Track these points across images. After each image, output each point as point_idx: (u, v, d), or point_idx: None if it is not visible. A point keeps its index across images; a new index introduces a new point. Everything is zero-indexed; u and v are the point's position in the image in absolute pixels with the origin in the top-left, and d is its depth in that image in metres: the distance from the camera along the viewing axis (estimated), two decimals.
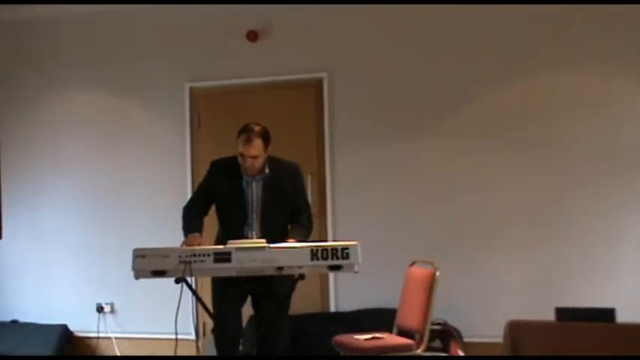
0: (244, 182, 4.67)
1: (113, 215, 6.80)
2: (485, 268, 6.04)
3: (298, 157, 6.31)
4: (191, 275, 4.16)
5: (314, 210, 6.22)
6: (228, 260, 4.15)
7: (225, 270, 4.19)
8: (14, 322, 6.90)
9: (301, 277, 4.30)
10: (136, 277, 4.21)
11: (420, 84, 6.23)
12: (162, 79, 6.72)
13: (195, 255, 4.16)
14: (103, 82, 6.87)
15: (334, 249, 4.20)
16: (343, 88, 6.38)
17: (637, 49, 5.88)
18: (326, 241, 6.29)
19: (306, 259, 4.18)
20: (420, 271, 4.94)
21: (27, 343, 6.62)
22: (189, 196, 6.39)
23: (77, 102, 6.94)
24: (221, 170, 4.75)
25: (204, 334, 6.40)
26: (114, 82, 6.85)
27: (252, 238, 4.58)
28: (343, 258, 4.20)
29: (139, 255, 4.18)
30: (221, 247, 4.21)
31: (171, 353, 4.27)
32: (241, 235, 4.60)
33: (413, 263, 5.08)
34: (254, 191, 4.68)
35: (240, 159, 4.57)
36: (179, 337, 4.50)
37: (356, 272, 4.24)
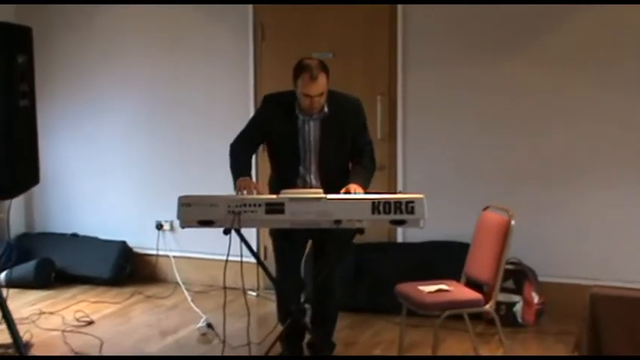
0: (300, 121, 4.28)
1: (174, 131, 6.50)
2: (568, 207, 5.51)
3: (369, 75, 5.91)
4: (240, 227, 3.85)
5: (383, 133, 5.85)
6: (281, 212, 3.82)
7: (278, 222, 3.88)
8: (74, 235, 6.79)
9: (360, 231, 3.92)
10: (182, 227, 3.94)
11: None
12: None
13: (245, 205, 3.83)
14: None
15: (398, 202, 3.82)
16: (421, 6, 5.76)
17: None
18: (394, 170, 5.90)
19: (366, 213, 3.82)
20: (493, 218, 4.50)
21: (87, 258, 6.53)
22: (251, 113, 6.03)
23: (132, 12, 6.53)
24: (276, 106, 4.36)
25: (265, 258, 6.15)
26: None
27: (309, 182, 4.25)
28: (407, 212, 3.82)
29: (185, 203, 3.87)
30: (274, 197, 3.87)
31: (229, 274, 3.99)
32: (297, 179, 4.30)
33: (486, 208, 4.64)
34: (311, 131, 4.30)
35: (303, 100, 4.17)
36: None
37: (421, 228, 3.86)
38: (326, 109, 4.26)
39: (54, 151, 6.85)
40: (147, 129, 6.57)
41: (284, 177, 4.36)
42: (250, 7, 6.13)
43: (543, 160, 5.57)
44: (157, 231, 6.52)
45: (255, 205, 3.82)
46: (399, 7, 5.77)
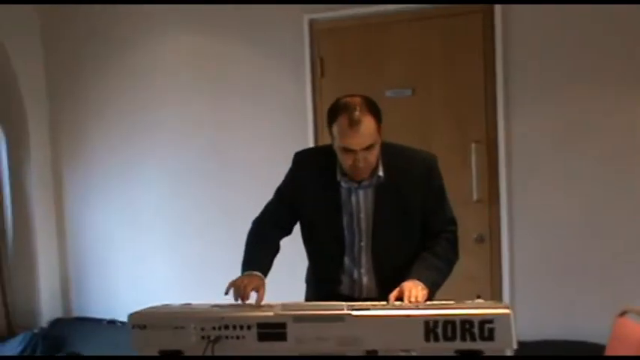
0: (344, 191, 2.90)
1: (216, 194, 5.22)
2: None
3: (460, 116, 4.44)
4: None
5: (480, 193, 4.39)
6: (282, 337, 2.42)
7: (278, 352, 2.46)
8: (111, 322, 5.59)
9: None
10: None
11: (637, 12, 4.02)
12: (274, 11, 4.90)
13: (227, 327, 2.46)
14: (200, 22, 5.16)
15: (466, 322, 2.34)
16: (524, 18, 4.28)
17: None
18: (497, 242, 4.40)
19: (416, 338, 2.37)
20: (636, 331, 2.94)
21: (122, 351, 5.31)
22: None
23: (171, 48, 5.29)
24: (310, 169, 3.00)
25: None
26: (213, 22, 5.11)
27: (358, 280, 2.96)
28: (483, 338, 2.34)
29: (138, 324, 2.53)
30: (270, 314, 2.46)
31: None
32: (341, 274, 2.97)
33: (624, 313, 3.09)
34: (361, 205, 2.92)
35: (343, 158, 2.80)
36: None
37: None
38: (381, 173, 2.87)
39: (91, 222, 5.74)
40: (190, 192, 5.34)
41: (322, 273, 3.05)
42: (307, 38, 4.80)
43: None
44: None
45: (241, 328, 2.44)
46: (498, 26, 4.30)
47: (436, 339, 2.34)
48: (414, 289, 2.64)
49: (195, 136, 5.25)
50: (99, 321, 5.66)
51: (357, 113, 2.70)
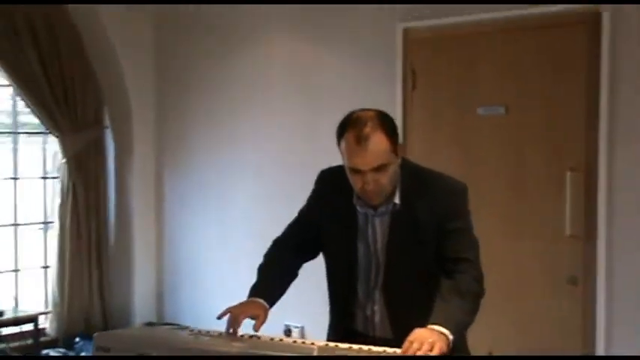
0: (361, 216, 2.58)
1: None
2: None
3: (554, 142, 3.97)
4: None
5: (575, 227, 3.87)
6: None
7: None
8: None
9: None
10: None
11: None
12: (368, 18, 4.61)
13: None
14: (292, 30, 5.00)
15: None
16: (635, 30, 3.73)
17: None
18: (591, 284, 3.87)
19: None
20: None
21: None
22: None
23: (265, 58, 5.19)
24: (332, 190, 2.70)
25: None
26: (305, 29, 4.93)
27: (371, 318, 2.62)
28: None
29: (102, 346, 2.33)
30: (232, 350, 2.21)
31: None
32: (355, 309, 2.64)
33: None
34: (377, 234, 2.58)
35: (352, 180, 2.49)
36: None
37: None
38: (397, 200, 2.51)
39: (188, 228, 5.70)
40: (284, 202, 5.12)
41: (336, 305, 2.74)
42: (400, 48, 4.46)
43: None
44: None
45: None
46: (604, 37, 3.78)
47: None
48: (424, 341, 2.19)
49: (288, 145, 5.12)
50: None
51: (366, 130, 2.38)
